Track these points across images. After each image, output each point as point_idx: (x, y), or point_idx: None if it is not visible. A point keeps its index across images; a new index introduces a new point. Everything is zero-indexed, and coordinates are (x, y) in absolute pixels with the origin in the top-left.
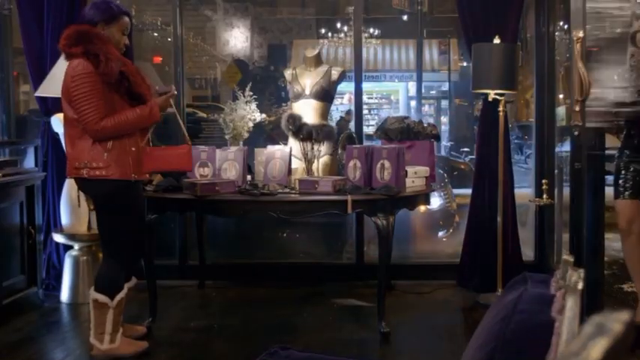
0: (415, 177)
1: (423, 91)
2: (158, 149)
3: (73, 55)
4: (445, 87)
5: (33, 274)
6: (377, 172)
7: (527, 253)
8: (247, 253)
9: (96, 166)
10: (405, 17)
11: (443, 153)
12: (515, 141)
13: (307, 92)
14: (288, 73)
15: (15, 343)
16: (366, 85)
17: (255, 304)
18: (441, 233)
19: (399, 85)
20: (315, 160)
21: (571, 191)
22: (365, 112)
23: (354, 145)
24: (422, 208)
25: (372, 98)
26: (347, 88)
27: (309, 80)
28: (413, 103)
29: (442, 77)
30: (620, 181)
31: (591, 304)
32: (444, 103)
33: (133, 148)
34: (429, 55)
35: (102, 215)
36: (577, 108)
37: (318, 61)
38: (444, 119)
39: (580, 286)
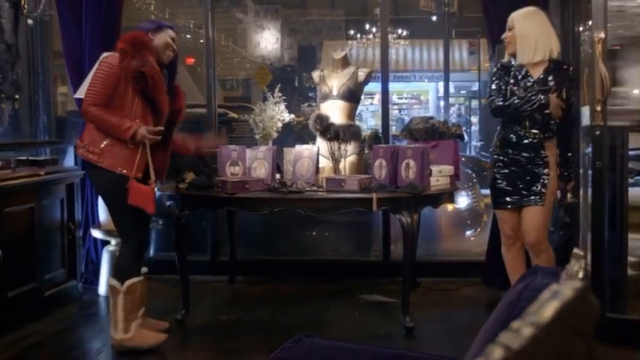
0: (439, 176)
1: (452, 90)
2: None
3: (115, 48)
4: (475, 87)
5: (72, 268)
6: (402, 171)
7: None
8: (277, 250)
9: (91, 150)
10: (433, 18)
11: (473, 153)
12: None
13: (334, 93)
14: (315, 75)
15: (56, 333)
16: (395, 86)
17: (283, 299)
18: (468, 232)
19: (429, 86)
20: (342, 160)
21: (592, 190)
22: (395, 111)
23: (380, 145)
24: (449, 207)
25: (402, 98)
26: (377, 88)
27: (336, 81)
28: (443, 103)
29: (472, 77)
30: None
31: (614, 305)
32: (474, 103)
33: (131, 145)
34: (459, 55)
35: (105, 202)
36: (598, 108)
37: (345, 62)
38: (474, 119)
39: (581, 274)
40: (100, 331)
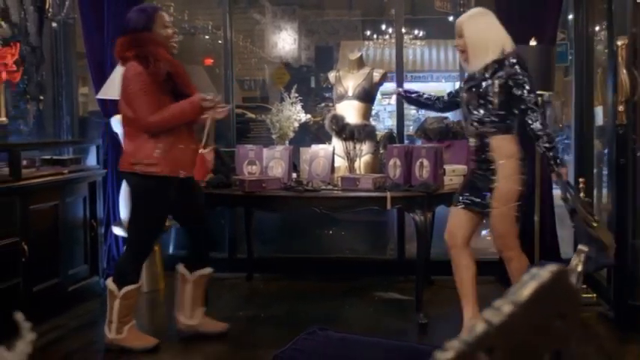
0: (453, 175)
1: None
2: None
3: (126, 59)
4: None
5: (95, 264)
6: (416, 171)
7: (568, 250)
8: (293, 247)
9: (148, 163)
10: (450, 18)
11: None
12: (566, 141)
13: (350, 94)
14: (331, 76)
15: (78, 328)
16: (413, 86)
17: (299, 296)
18: (484, 232)
19: (446, 86)
20: (357, 159)
21: (616, 187)
22: (412, 111)
23: (395, 145)
24: None
25: None
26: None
27: (351, 82)
28: None
29: None
30: None
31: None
32: None
33: (181, 146)
34: None
35: (137, 209)
36: (621, 108)
37: (360, 63)
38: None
39: (579, 268)
40: None
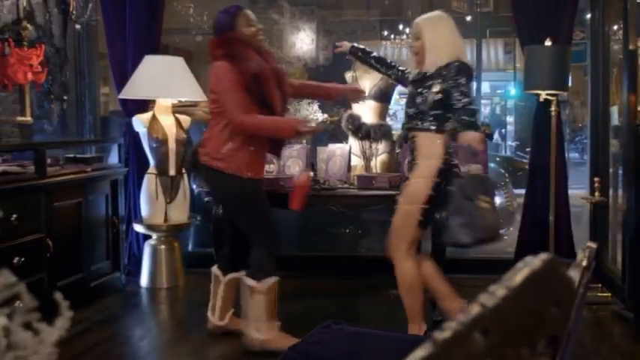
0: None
1: (488, 90)
2: None
3: (216, 57)
4: (512, 86)
5: (116, 261)
6: None
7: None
8: (310, 246)
9: (215, 157)
10: (468, 18)
11: (508, 153)
12: (585, 141)
13: (366, 94)
14: (348, 76)
15: (100, 322)
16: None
17: (315, 293)
18: (500, 231)
19: None
20: (374, 158)
21: (634, 188)
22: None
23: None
24: None
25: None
26: None
27: (368, 82)
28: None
29: (508, 77)
30: None
31: None
32: (510, 103)
33: (252, 148)
34: (494, 54)
35: (230, 208)
36: None
37: None
38: (510, 119)
39: (584, 263)
40: (141, 320)
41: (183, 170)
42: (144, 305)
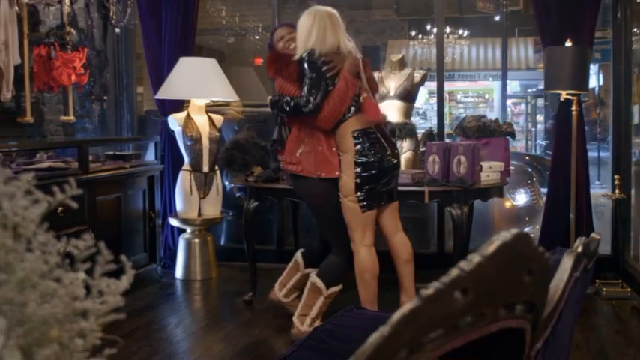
0: (490, 171)
1: (518, 89)
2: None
3: (271, 76)
4: (541, 85)
5: (153, 253)
6: (454, 167)
7: (605, 248)
8: None
9: (289, 162)
10: (497, 17)
11: (537, 152)
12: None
13: (392, 93)
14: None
15: (138, 310)
16: (461, 84)
17: (345, 283)
18: (526, 229)
19: (494, 84)
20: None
21: None
22: (460, 110)
23: (434, 142)
24: (507, 203)
25: (467, 97)
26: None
27: (393, 82)
28: (509, 101)
29: (538, 75)
30: None
31: None
32: (540, 102)
33: (320, 148)
34: (524, 53)
35: (314, 212)
36: None
37: (402, 64)
38: (540, 117)
39: (579, 249)
40: (176, 309)
41: (216, 167)
42: (178, 295)
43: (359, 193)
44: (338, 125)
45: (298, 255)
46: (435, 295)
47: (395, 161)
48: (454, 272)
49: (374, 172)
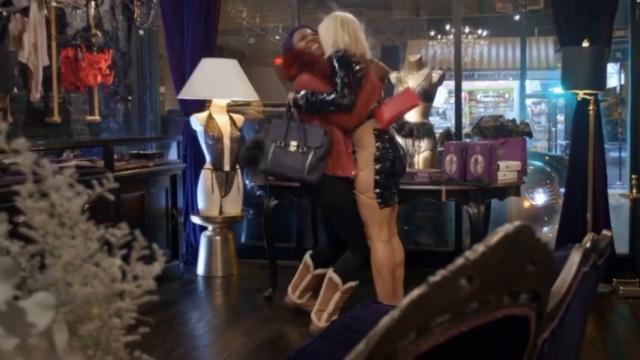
0: (507, 170)
1: (539, 88)
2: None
3: (293, 74)
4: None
5: (175, 250)
6: (471, 166)
7: (623, 247)
8: None
9: None
10: (516, 17)
11: (558, 152)
12: None
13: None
14: (393, 76)
15: (161, 305)
16: (481, 84)
17: (362, 283)
18: (545, 229)
19: (514, 84)
20: (416, 155)
21: None
22: (481, 109)
23: (451, 142)
24: (526, 203)
25: (487, 96)
26: (464, 87)
27: (411, 82)
28: (529, 101)
29: (559, 75)
30: None
31: None
32: (561, 101)
33: (338, 147)
34: (544, 52)
35: (325, 209)
36: None
37: (420, 64)
38: (560, 117)
39: (588, 245)
40: (198, 304)
41: (237, 166)
42: (200, 291)
43: (377, 190)
44: (359, 124)
45: (307, 257)
46: (441, 282)
47: (405, 165)
48: (460, 261)
49: (392, 169)
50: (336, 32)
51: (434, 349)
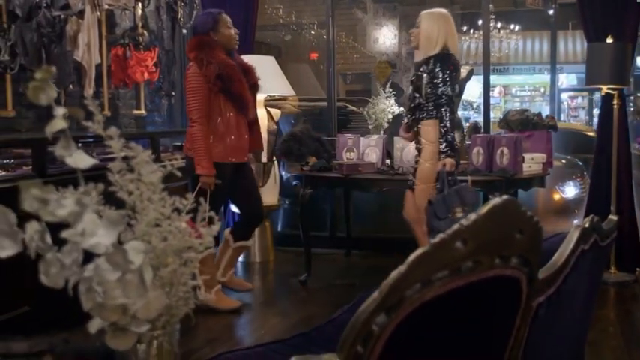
0: (531, 163)
1: (575, 82)
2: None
3: (189, 58)
4: None
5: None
6: (497, 158)
7: None
8: (388, 227)
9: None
10: (550, 12)
11: None
12: None
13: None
14: None
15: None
16: (517, 78)
17: (390, 269)
18: (575, 221)
19: (549, 77)
20: None
21: None
22: (516, 103)
23: (478, 134)
24: (556, 196)
25: (523, 90)
26: (497, 81)
27: None
28: (564, 95)
29: None
30: None
31: None
32: (597, 95)
33: (232, 137)
34: (580, 46)
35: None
36: None
37: None
38: (596, 111)
39: (587, 225)
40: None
41: (274, 158)
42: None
43: (438, 185)
44: (428, 117)
45: (226, 232)
46: (440, 243)
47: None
48: (456, 226)
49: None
50: (450, 32)
51: (436, 299)
